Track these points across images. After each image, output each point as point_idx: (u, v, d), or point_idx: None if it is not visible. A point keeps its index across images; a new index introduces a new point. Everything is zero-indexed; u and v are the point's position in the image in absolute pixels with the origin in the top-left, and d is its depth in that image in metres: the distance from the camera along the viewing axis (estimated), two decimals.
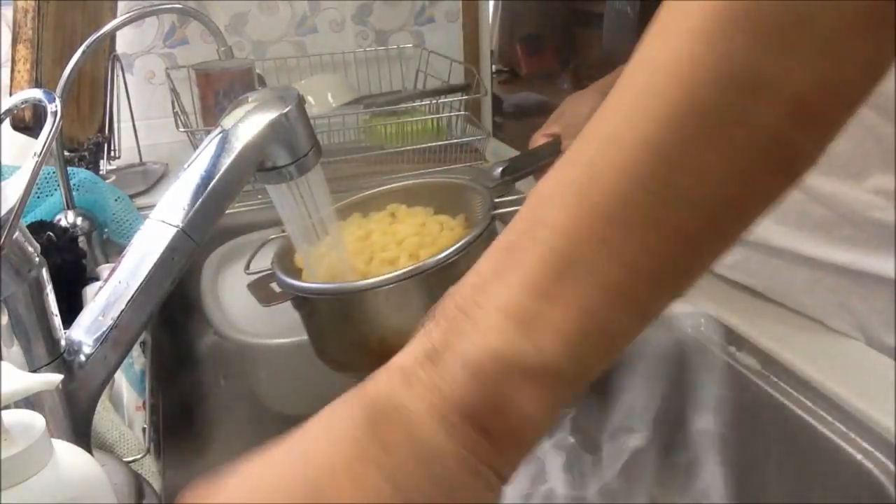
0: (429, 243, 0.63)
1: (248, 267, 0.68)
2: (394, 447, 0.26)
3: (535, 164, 0.76)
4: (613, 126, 0.28)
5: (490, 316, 0.27)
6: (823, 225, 0.60)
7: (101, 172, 1.03)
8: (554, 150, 0.77)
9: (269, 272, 0.64)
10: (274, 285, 0.63)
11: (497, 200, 0.64)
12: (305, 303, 0.61)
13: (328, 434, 0.28)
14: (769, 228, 0.62)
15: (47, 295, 0.44)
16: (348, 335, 0.61)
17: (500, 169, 0.71)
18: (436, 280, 0.58)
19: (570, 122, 0.78)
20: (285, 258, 0.65)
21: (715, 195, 0.27)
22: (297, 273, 0.63)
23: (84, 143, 1.02)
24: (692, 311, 0.65)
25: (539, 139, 0.79)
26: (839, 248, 0.60)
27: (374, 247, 0.63)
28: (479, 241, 0.60)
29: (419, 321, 0.59)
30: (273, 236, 0.73)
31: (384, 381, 0.28)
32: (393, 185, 0.71)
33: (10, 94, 0.91)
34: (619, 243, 0.27)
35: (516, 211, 0.66)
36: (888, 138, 0.56)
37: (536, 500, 0.61)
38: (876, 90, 0.27)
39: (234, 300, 0.77)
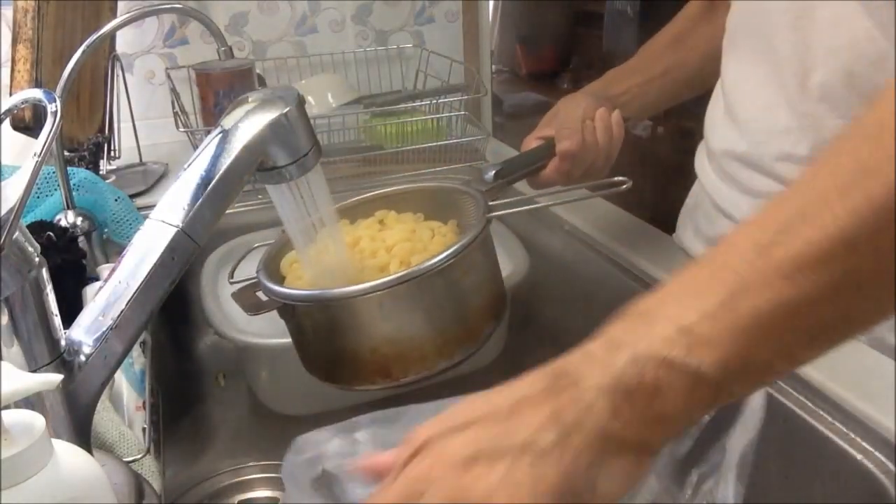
0: (420, 249, 0.61)
1: (231, 276, 0.67)
2: (565, 398, 0.34)
3: (528, 166, 0.74)
4: (820, 226, 0.32)
5: (665, 327, 0.34)
6: None
7: (101, 172, 1.03)
8: (547, 152, 0.74)
9: (253, 280, 0.63)
10: (260, 293, 0.61)
11: (492, 203, 0.63)
12: (294, 310, 0.60)
13: (519, 383, 0.37)
14: None
15: (47, 295, 0.44)
16: (339, 344, 0.59)
17: (492, 172, 0.69)
18: (430, 287, 0.57)
19: (563, 125, 0.75)
20: (271, 266, 0.63)
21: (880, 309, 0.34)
22: (281, 280, 0.62)
23: (84, 143, 1.02)
24: None
25: (532, 142, 0.77)
26: None
27: (363, 253, 0.62)
28: (475, 244, 0.58)
29: (416, 329, 0.57)
30: (257, 244, 0.72)
31: (571, 356, 0.36)
32: (380, 191, 0.70)
33: (10, 94, 0.91)
34: (792, 307, 0.32)
35: (512, 213, 0.65)
36: None
37: None
38: None
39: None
